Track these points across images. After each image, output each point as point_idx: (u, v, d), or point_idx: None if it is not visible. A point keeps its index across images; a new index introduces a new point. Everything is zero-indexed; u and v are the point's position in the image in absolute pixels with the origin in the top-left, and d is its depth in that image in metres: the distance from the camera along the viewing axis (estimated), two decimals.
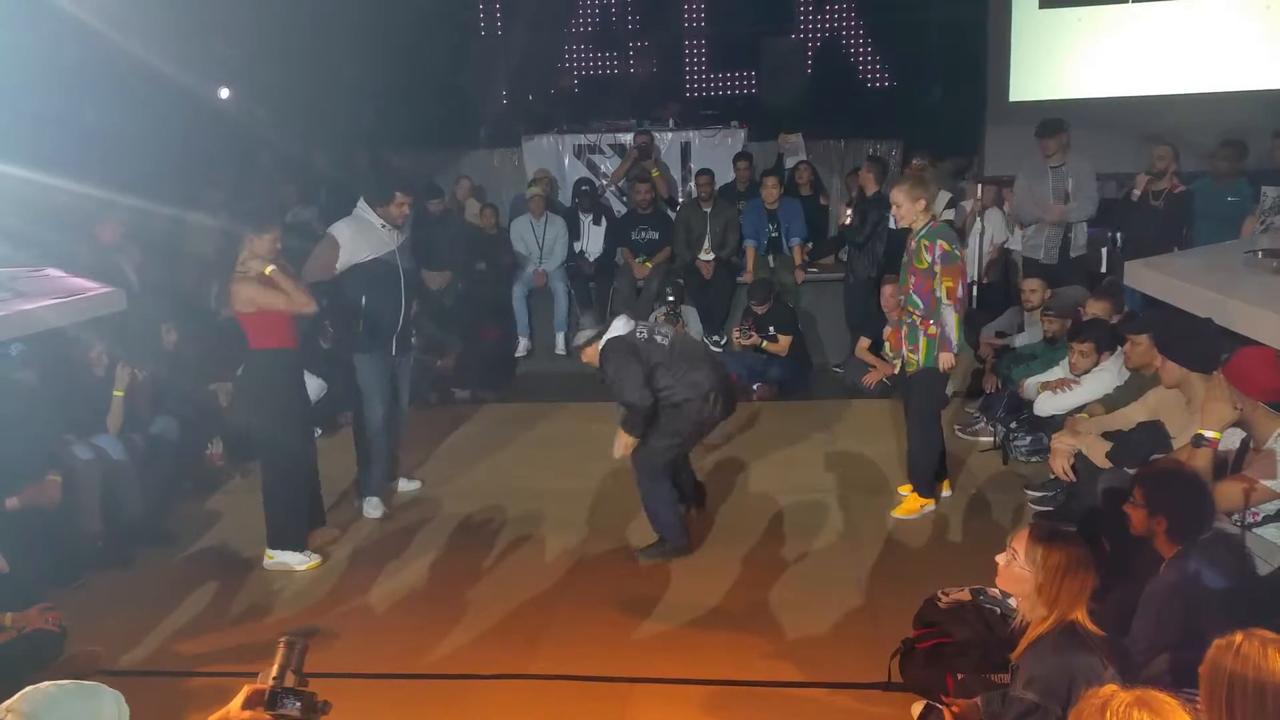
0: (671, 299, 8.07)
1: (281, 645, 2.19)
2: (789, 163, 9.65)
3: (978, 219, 8.31)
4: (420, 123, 10.35)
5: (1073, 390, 5.40)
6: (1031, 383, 5.83)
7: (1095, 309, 5.88)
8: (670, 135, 10.41)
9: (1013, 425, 6.22)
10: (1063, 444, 4.65)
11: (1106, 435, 4.55)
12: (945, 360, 5.26)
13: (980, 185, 8.57)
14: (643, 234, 9.00)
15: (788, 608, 4.51)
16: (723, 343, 8.46)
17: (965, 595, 3.80)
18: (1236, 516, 3.59)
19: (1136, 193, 7.23)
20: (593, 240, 9.10)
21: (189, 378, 6.39)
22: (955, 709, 3.30)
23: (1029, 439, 6.09)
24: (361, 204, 5.54)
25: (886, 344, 5.68)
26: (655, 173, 9.46)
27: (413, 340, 5.88)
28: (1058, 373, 5.68)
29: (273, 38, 8.86)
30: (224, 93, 9.03)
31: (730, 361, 7.86)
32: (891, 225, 7.54)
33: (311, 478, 5.33)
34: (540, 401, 7.88)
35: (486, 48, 11.61)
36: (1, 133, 6.05)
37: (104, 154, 7.26)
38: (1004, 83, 9.24)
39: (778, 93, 10.88)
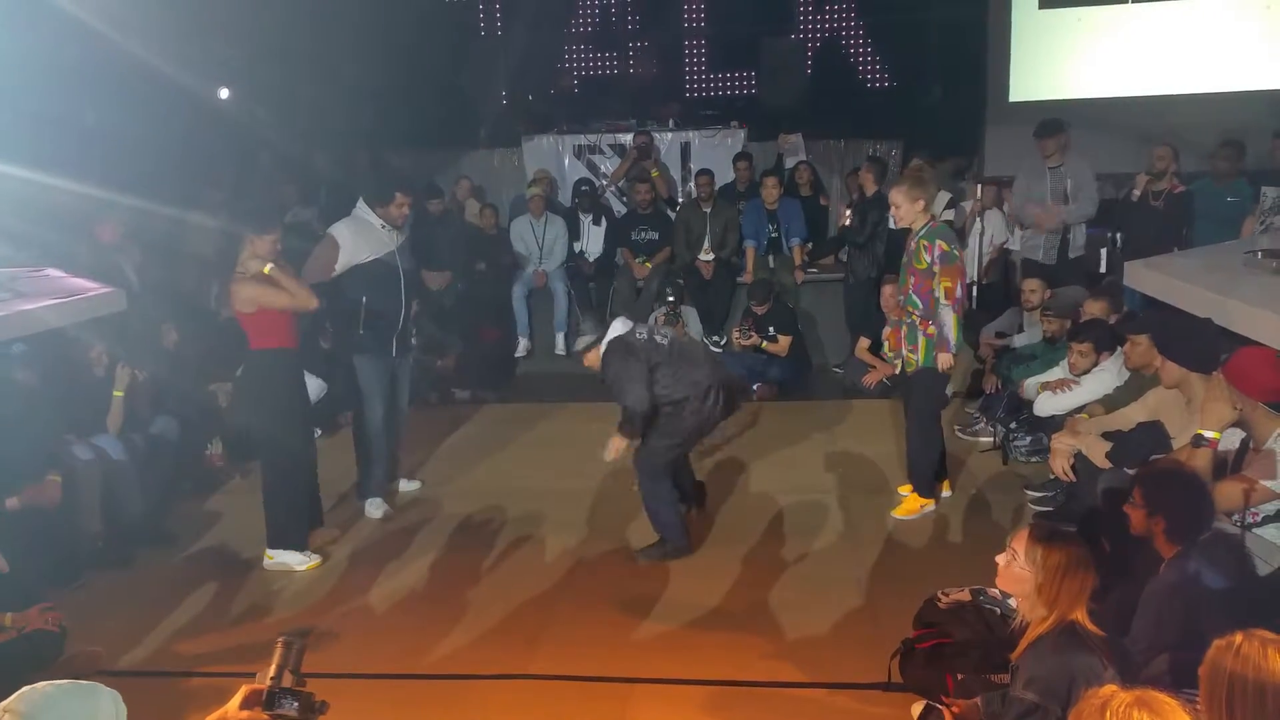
0: (671, 299, 8.08)
1: (279, 645, 2.19)
2: (789, 163, 9.64)
3: (977, 219, 8.31)
4: (420, 123, 10.34)
5: (1072, 390, 5.40)
6: (1031, 383, 5.83)
7: (1093, 309, 5.88)
8: (670, 135, 10.41)
9: (1012, 425, 6.22)
10: (1062, 444, 4.65)
11: (1106, 435, 4.56)
12: (943, 360, 5.26)
13: (980, 186, 8.57)
14: (642, 234, 9.01)
15: (788, 608, 4.51)
16: (722, 343, 8.46)
17: (965, 595, 3.80)
18: (1236, 517, 3.59)
19: (1136, 193, 7.23)
20: (593, 240, 9.10)
21: (189, 378, 6.40)
22: (955, 709, 3.30)
23: (1029, 439, 6.09)
24: (361, 204, 5.54)
25: (886, 344, 5.68)
26: (655, 173, 9.45)
27: (413, 340, 5.88)
28: (1057, 373, 5.68)
29: (273, 38, 8.86)
30: (224, 93, 9.03)
31: (730, 362, 7.85)
32: (891, 225, 7.54)
33: (311, 478, 5.33)
34: (540, 402, 7.88)
35: (486, 48, 11.61)
36: (1, 133, 6.05)
37: (104, 154, 7.26)
38: (1004, 83, 9.26)
39: (777, 93, 10.88)
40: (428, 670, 4.13)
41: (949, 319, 5.21)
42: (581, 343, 5.11)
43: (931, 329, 5.22)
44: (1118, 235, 7.54)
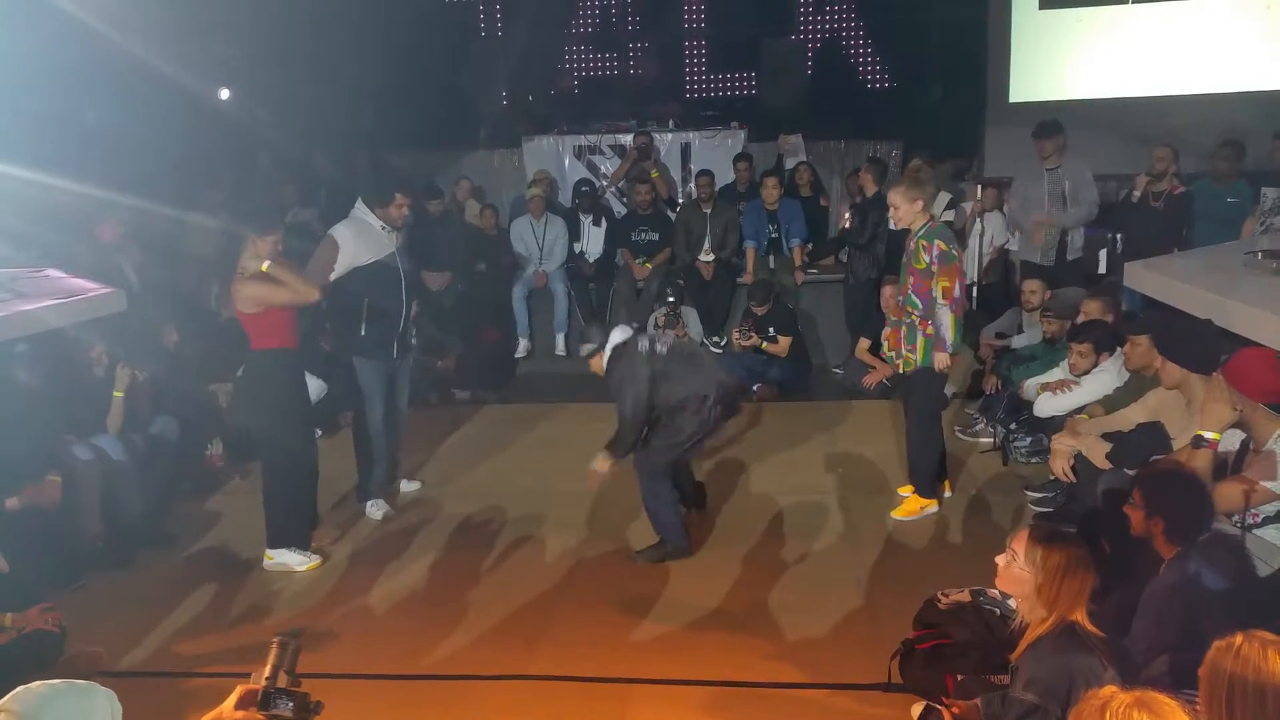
0: (671, 300, 8.08)
1: (274, 645, 2.19)
2: (789, 164, 9.64)
3: (978, 220, 8.31)
4: (420, 123, 10.34)
5: (1072, 391, 5.40)
6: (1031, 384, 5.83)
7: (1090, 309, 5.88)
8: (670, 136, 10.41)
9: (1013, 426, 6.22)
10: (1063, 445, 4.65)
11: (1106, 436, 4.56)
12: (940, 360, 5.26)
13: (980, 187, 8.57)
14: (643, 235, 9.01)
15: (788, 609, 4.51)
16: (722, 344, 8.47)
17: (965, 596, 3.80)
18: (1236, 518, 3.59)
19: (1136, 194, 7.23)
20: (593, 241, 9.10)
21: (189, 378, 6.39)
22: (955, 710, 3.30)
23: (1029, 440, 6.09)
24: (360, 205, 5.53)
25: (885, 344, 5.68)
26: (655, 173, 9.46)
27: (413, 341, 5.88)
28: (1057, 374, 5.68)
29: (273, 38, 8.86)
30: (224, 93, 9.03)
31: (730, 363, 7.85)
32: (892, 226, 7.54)
33: (312, 479, 5.33)
34: (540, 402, 7.89)
35: (486, 48, 11.60)
36: (1, 133, 6.05)
37: (104, 154, 7.26)
38: (1004, 84, 9.26)
39: (778, 94, 10.88)
40: (428, 671, 4.13)
41: (946, 319, 5.21)
42: (585, 349, 5.14)
43: (930, 329, 5.22)
44: (1118, 236, 7.55)
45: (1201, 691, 2.09)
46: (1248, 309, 4.33)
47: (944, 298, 5.17)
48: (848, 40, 11.45)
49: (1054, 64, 9.08)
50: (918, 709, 3.47)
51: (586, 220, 9.14)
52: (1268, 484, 3.59)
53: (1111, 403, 5.04)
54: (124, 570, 5.15)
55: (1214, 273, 5.13)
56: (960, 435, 6.66)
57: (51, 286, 5.45)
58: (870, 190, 8.17)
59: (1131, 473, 3.96)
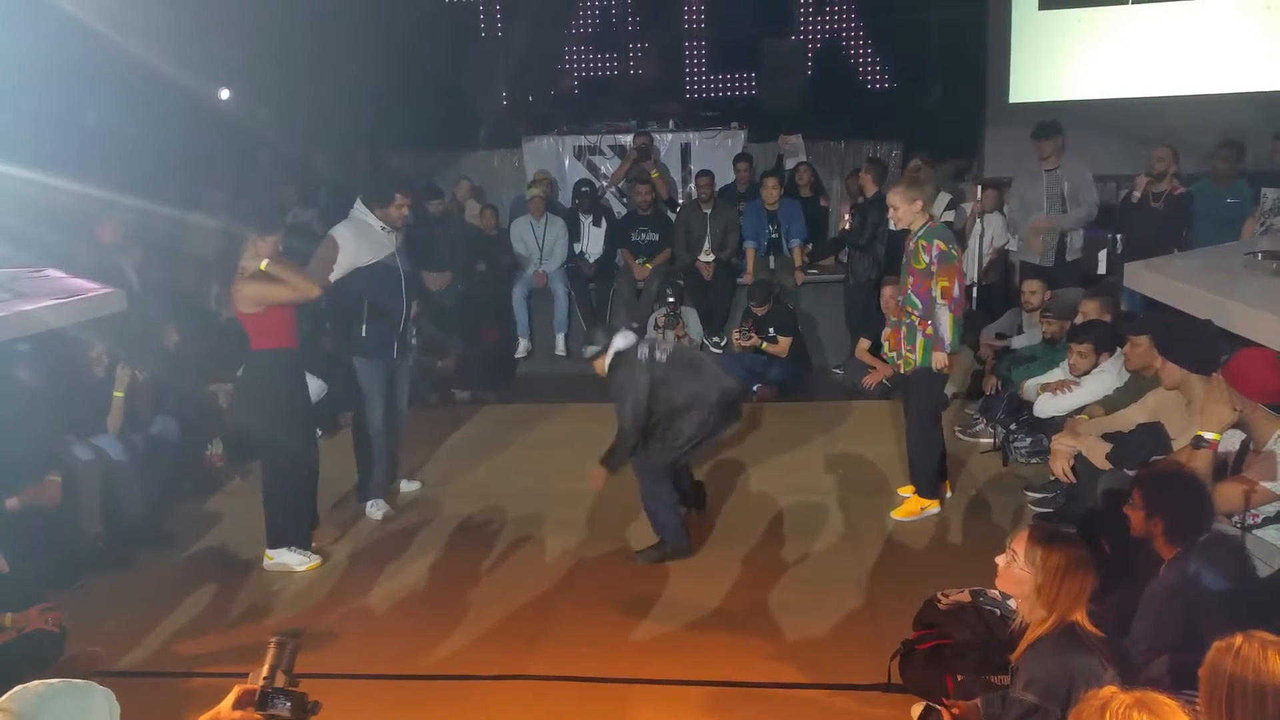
0: (671, 300, 8.08)
1: (272, 645, 2.19)
2: (789, 164, 9.64)
3: (978, 220, 8.31)
4: (420, 123, 10.34)
5: (1072, 392, 5.40)
6: (1031, 384, 5.83)
7: (1087, 309, 5.88)
8: (670, 136, 10.41)
9: (1013, 427, 6.22)
10: (1063, 445, 4.65)
11: (1106, 437, 4.56)
12: (937, 360, 5.26)
13: (980, 188, 8.57)
14: (643, 235, 9.01)
15: (788, 609, 4.51)
16: (722, 344, 8.47)
17: (965, 597, 3.80)
18: (1236, 518, 3.59)
19: (1136, 194, 7.23)
20: (593, 241, 9.10)
21: (189, 378, 6.40)
22: (955, 710, 3.30)
23: (1029, 440, 6.09)
24: (359, 205, 5.53)
25: (886, 345, 5.68)
26: (655, 174, 9.46)
27: (412, 341, 5.88)
28: (1057, 374, 5.68)
29: (273, 38, 8.86)
30: (224, 93, 9.03)
31: (730, 363, 7.86)
32: (892, 227, 7.54)
33: (312, 479, 5.32)
34: (540, 402, 7.89)
35: (486, 48, 11.60)
36: (1, 133, 6.05)
37: (104, 154, 7.27)
38: (1004, 84, 9.26)
39: (778, 94, 10.87)
40: (428, 671, 4.13)
41: (945, 319, 5.21)
42: (589, 352, 5.18)
43: (930, 329, 5.22)
44: (1118, 237, 7.55)
45: (1201, 692, 2.09)
46: (1248, 310, 4.33)
47: (943, 298, 5.17)
48: (848, 40, 11.45)
49: (1054, 64, 9.08)
50: (918, 709, 3.47)
51: (586, 220, 9.14)
52: (1268, 484, 3.59)
53: (1111, 403, 5.04)
54: (124, 570, 5.15)
55: (1214, 273, 5.13)
56: (960, 436, 6.66)
57: (51, 286, 5.45)
58: (870, 190, 8.17)
59: (1131, 473, 3.96)
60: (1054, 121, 7.35)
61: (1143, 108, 8.48)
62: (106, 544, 5.22)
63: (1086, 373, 5.46)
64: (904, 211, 5.25)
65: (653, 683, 3.95)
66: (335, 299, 5.54)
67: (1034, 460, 5.99)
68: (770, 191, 8.70)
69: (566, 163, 10.47)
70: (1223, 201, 7.10)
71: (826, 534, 5.34)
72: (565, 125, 10.70)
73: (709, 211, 8.76)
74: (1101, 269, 7.72)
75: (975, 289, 8.11)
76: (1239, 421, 3.71)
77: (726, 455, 6.52)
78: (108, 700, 2.02)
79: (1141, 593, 3.25)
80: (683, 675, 3.99)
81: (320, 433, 6.34)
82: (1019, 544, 2.89)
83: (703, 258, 8.71)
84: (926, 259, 5.15)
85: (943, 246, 5.16)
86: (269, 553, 5.13)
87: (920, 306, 5.21)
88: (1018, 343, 6.86)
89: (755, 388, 7.81)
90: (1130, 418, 4.68)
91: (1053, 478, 4.98)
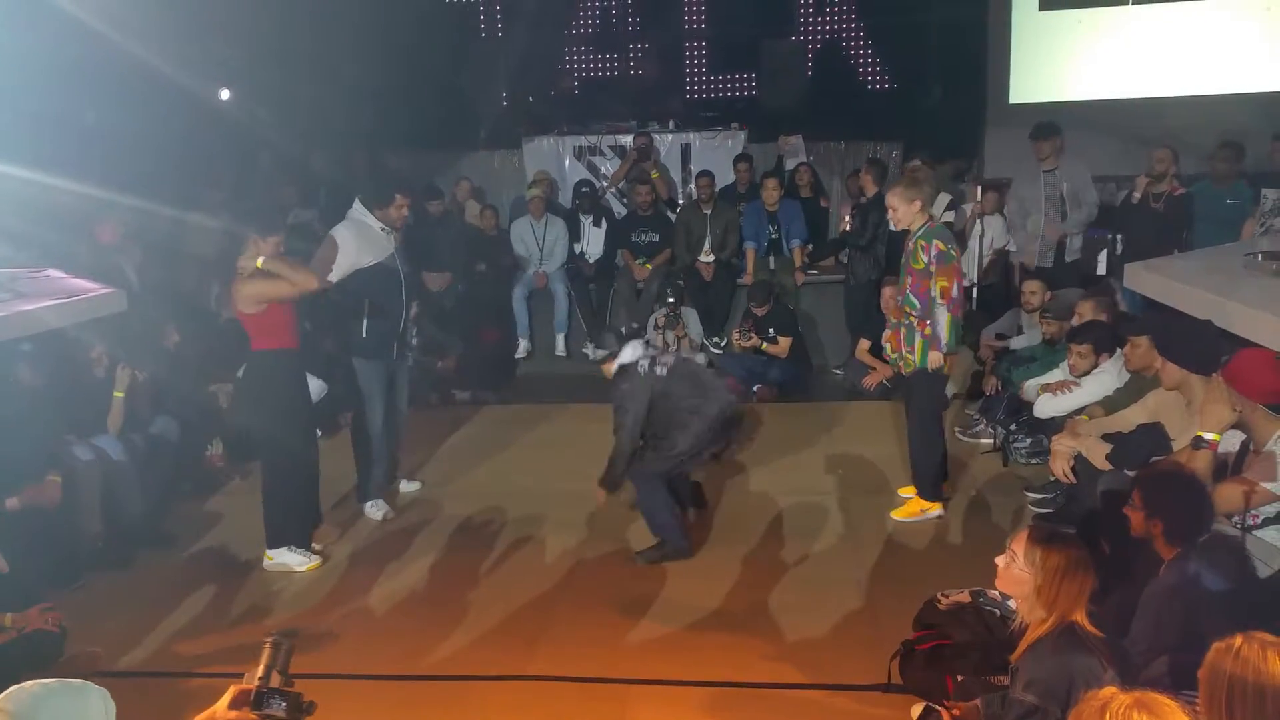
0: (671, 301, 8.08)
1: (267, 645, 2.20)
2: (789, 164, 9.64)
3: (978, 221, 8.31)
4: (420, 124, 10.33)
5: (1072, 392, 5.40)
6: (1031, 385, 5.83)
7: (1083, 309, 5.88)
8: (670, 137, 10.41)
9: (1013, 427, 6.22)
10: (1063, 446, 4.65)
11: (1106, 437, 4.56)
12: (933, 359, 5.25)
13: (981, 189, 8.57)
14: (643, 236, 9.01)
15: (787, 609, 4.51)
16: (722, 345, 8.47)
17: (965, 597, 3.80)
18: (1236, 519, 3.60)
19: (1136, 195, 7.23)
20: (593, 242, 9.10)
21: (189, 378, 6.39)
22: (955, 711, 3.30)
23: (1029, 441, 6.09)
24: (358, 206, 5.53)
25: (887, 346, 5.68)
26: (655, 174, 9.46)
27: (412, 342, 5.88)
28: (1057, 375, 5.68)
29: (273, 38, 8.86)
30: (224, 93, 9.03)
31: (730, 363, 7.88)
32: (892, 227, 7.55)
33: (312, 479, 5.32)
34: (540, 403, 7.89)
35: (486, 49, 11.60)
36: (1, 133, 6.05)
37: (104, 154, 7.27)
38: (1004, 85, 9.26)
39: (778, 94, 10.88)
40: (428, 671, 4.13)
41: (943, 318, 5.20)
42: (600, 354, 5.22)
43: (928, 329, 5.22)
44: (1117, 237, 7.55)
45: (1201, 693, 2.09)
46: (1247, 310, 4.33)
47: (942, 298, 5.17)
48: (848, 41, 11.45)
49: (1054, 65, 9.08)
50: (917, 710, 3.47)
51: (586, 221, 9.14)
52: (1268, 485, 3.60)
53: (1111, 404, 5.04)
54: (124, 570, 5.15)
55: (1214, 274, 5.13)
56: (961, 436, 6.66)
57: (52, 286, 5.45)
58: (870, 191, 8.17)
59: (1131, 474, 3.96)
60: (1052, 122, 7.36)
61: (1143, 108, 8.48)
62: (106, 544, 5.21)
63: (1086, 373, 5.46)
64: (903, 212, 5.25)
65: (652, 683, 3.95)
66: (335, 299, 5.54)
67: (1034, 461, 5.99)
68: (770, 192, 8.70)
69: (566, 163, 10.47)
70: (1222, 202, 7.11)
71: (826, 534, 5.34)
72: (565, 126, 10.70)
73: (709, 212, 8.76)
74: (1101, 270, 7.72)
75: (975, 290, 8.11)
76: (1239, 422, 3.72)
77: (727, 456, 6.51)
78: (103, 700, 2.02)
79: (1141, 593, 3.25)
80: (682, 676, 3.99)
81: (320, 433, 6.35)
82: (1019, 544, 2.89)
83: (703, 258, 8.71)
84: (925, 259, 5.15)
85: (941, 246, 5.16)
86: (269, 553, 5.13)
87: (919, 306, 5.21)
88: (1017, 343, 6.86)
89: (755, 388, 7.82)
90: (1130, 418, 4.68)
91: (1053, 478, 4.98)
